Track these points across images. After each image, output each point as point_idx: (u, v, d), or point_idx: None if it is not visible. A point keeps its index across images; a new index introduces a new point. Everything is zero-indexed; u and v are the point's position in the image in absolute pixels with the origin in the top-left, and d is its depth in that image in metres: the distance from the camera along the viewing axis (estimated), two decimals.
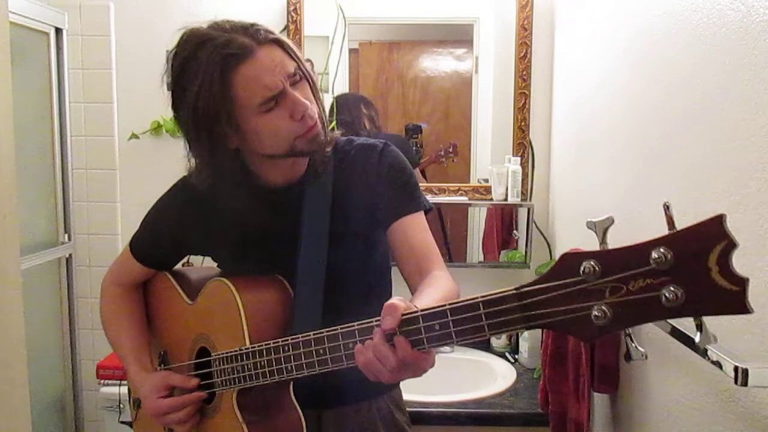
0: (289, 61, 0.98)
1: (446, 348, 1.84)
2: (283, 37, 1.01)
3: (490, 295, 0.63)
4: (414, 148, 2.09)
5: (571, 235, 1.82)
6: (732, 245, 0.48)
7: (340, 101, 2.06)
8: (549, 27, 2.00)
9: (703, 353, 0.88)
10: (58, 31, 2.03)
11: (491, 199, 2.03)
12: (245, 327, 0.97)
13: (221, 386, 1.02)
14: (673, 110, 1.11)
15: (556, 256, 1.98)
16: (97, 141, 2.11)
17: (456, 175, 2.11)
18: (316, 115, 1.01)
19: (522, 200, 2.00)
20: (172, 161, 2.08)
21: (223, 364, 1.00)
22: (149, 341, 1.21)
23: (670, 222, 0.50)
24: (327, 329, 0.84)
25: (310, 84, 1.03)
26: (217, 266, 1.22)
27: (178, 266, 1.26)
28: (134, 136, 2.08)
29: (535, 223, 2.03)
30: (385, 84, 2.14)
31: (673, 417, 1.10)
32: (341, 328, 0.81)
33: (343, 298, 1.04)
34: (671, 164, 1.11)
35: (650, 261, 0.49)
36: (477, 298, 0.64)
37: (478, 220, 2.11)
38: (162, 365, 1.19)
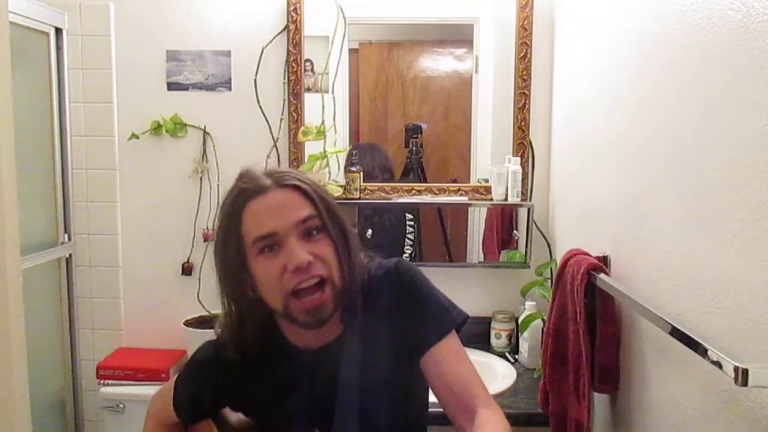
0: (306, 208, 0.93)
1: None
2: (311, 186, 0.95)
3: None
4: (414, 148, 2.10)
5: (571, 235, 1.82)
6: None
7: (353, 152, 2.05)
8: (549, 27, 2.00)
9: (703, 353, 0.88)
10: (58, 31, 2.03)
11: (491, 199, 2.03)
12: None
13: None
14: (673, 109, 1.11)
15: (557, 256, 1.98)
16: (97, 141, 2.11)
17: (456, 175, 2.11)
18: (326, 277, 0.93)
19: (522, 200, 2.00)
20: (172, 161, 2.14)
21: None
22: None
23: None
24: None
25: (334, 240, 0.94)
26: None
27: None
28: (134, 136, 2.08)
29: (535, 223, 2.03)
30: (385, 84, 2.14)
31: (673, 417, 1.10)
32: None
33: None
34: (671, 163, 1.11)
35: None
36: None
37: (478, 220, 2.11)
38: None
